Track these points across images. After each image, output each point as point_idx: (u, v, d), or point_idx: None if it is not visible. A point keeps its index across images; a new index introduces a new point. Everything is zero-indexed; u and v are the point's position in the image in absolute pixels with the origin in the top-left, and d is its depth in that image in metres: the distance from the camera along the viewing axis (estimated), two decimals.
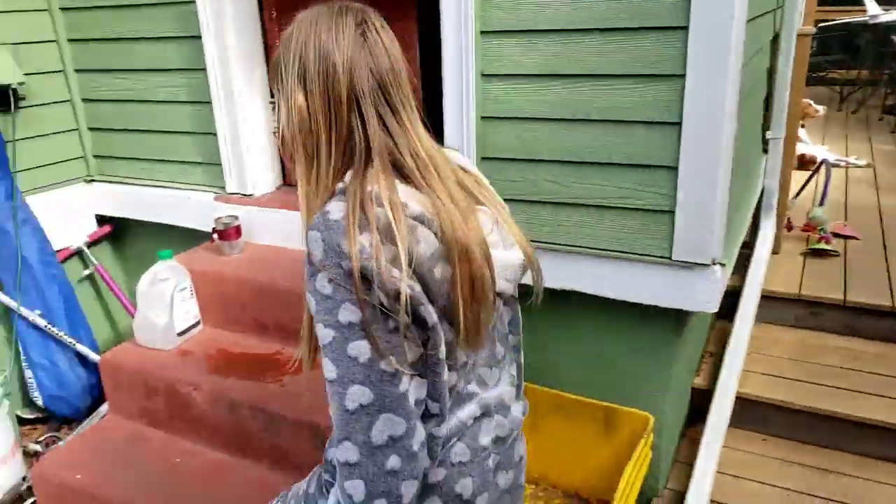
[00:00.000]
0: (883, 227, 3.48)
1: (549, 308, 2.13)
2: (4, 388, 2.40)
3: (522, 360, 1.21)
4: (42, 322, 2.59)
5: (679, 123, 1.78)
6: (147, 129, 2.69)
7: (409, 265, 0.87)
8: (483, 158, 2.04)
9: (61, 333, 2.63)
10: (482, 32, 1.93)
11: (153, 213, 2.79)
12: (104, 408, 2.47)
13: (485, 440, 1.05)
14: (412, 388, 0.91)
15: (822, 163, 3.67)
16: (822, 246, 3.15)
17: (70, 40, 2.71)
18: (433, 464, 0.98)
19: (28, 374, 2.67)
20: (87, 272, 2.96)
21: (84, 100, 2.79)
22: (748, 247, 2.99)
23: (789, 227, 3.38)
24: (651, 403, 2.14)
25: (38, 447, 2.63)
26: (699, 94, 1.73)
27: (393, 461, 0.88)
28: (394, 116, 0.97)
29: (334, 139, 0.97)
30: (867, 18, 6.38)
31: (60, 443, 2.52)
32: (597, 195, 1.94)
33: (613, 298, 2.01)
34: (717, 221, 1.82)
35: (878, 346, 2.74)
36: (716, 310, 1.93)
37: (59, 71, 2.74)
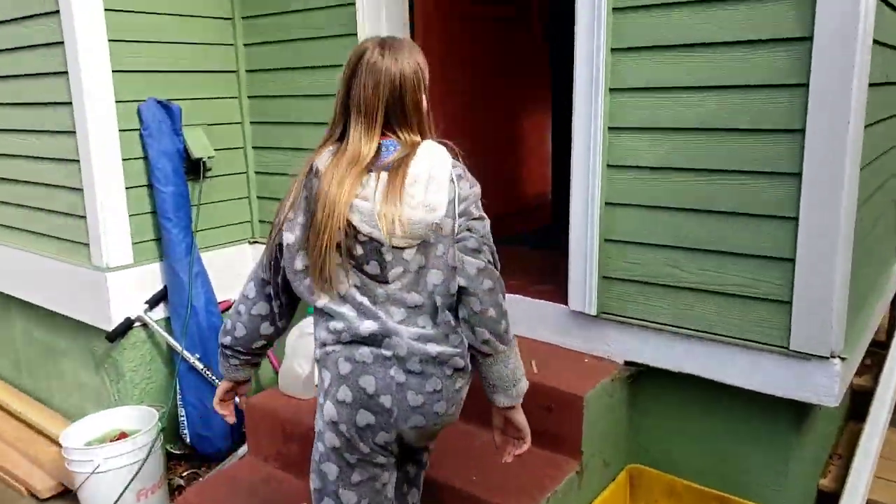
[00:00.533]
0: None
1: (663, 390, 2.21)
2: (161, 423, 2.73)
3: (468, 313, 1.47)
4: (200, 365, 2.93)
5: (796, 218, 1.85)
6: None
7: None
8: (606, 240, 2.19)
9: (214, 377, 2.96)
10: (609, 128, 2.12)
11: None
12: (243, 449, 2.70)
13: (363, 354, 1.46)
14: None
15: None
16: None
17: (252, 122, 3.19)
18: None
19: (181, 412, 2.99)
20: None
21: (256, 172, 3.24)
22: (883, 345, 2.88)
23: None
24: (768, 497, 2.11)
25: (181, 481, 2.91)
26: (816, 191, 1.80)
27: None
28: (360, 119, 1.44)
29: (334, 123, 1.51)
30: None
31: (201, 479, 2.78)
32: (715, 282, 2.02)
33: (729, 384, 2.05)
34: (835, 313, 1.85)
35: None
36: (835, 404, 1.92)
37: (240, 148, 3.21)
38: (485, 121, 3.32)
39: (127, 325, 2.90)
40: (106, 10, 2.67)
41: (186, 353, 2.93)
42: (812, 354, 1.89)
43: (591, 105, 2.11)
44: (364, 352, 1.46)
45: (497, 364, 1.50)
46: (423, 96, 1.48)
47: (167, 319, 3.02)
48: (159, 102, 2.88)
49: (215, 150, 3.06)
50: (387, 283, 1.45)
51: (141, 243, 2.92)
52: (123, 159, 2.81)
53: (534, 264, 2.88)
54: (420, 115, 1.47)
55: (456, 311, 1.48)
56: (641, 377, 2.26)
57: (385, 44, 1.45)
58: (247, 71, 3.14)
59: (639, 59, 2.04)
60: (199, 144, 2.99)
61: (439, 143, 1.49)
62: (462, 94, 3.18)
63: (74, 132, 2.76)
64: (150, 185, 2.91)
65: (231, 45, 3.12)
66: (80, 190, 2.82)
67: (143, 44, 2.83)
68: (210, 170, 3.07)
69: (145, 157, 2.88)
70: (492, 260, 1.48)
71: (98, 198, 2.76)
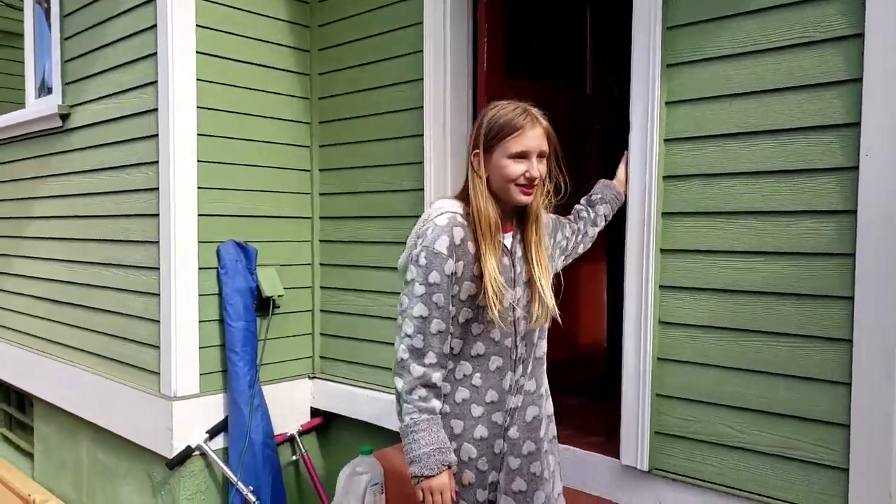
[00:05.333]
0: None
1: None
2: None
3: None
4: (252, 498, 2.97)
5: (849, 384, 1.86)
6: (367, 338, 3.20)
7: None
8: (658, 395, 2.22)
9: None
10: (661, 287, 2.21)
11: (360, 412, 3.21)
12: None
13: None
14: None
15: None
16: None
17: (322, 264, 3.41)
18: None
19: None
20: (294, 458, 3.39)
21: (321, 311, 3.42)
22: None
23: None
24: None
25: None
26: (866, 357, 1.83)
27: None
28: None
29: None
30: None
31: None
32: (769, 444, 2.00)
33: None
34: (891, 478, 1.80)
35: None
36: None
37: (308, 287, 3.42)
38: None
39: (187, 454, 2.99)
40: (198, 161, 2.99)
41: (241, 485, 2.98)
42: None
43: (641, 263, 2.22)
44: None
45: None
46: (470, 156, 1.78)
47: (225, 450, 3.10)
48: (237, 244, 3.14)
49: (285, 288, 3.26)
50: None
51: (208, 374, 3.07)
52: (200, 294, 3.02)
53: (587, 415, 2.89)
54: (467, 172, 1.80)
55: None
56: None
57: None
58: (320, 217, 3.40)
59: (687, 223, 2.16)
60: (270, 283, 3.20)
61: (457, 198, 1.82)
62: None
63: (158, 268, 3.01)
64: (221, 320, 3.10)
65: (307, 193, 3.41)
66: (158, 321, 3.03)
67: (228, 191, 3.13)
68: (279, 307, 3.26)
69: (219, 293, 3.09)
70: (409, 334, 1.69)
71: (173, 330, 2.95)
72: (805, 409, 1.94)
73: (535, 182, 1.72)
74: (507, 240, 1.80)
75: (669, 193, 2.19)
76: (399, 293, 1.77)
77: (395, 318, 3.10)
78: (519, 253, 1.81)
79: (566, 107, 3.29)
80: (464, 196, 1.77)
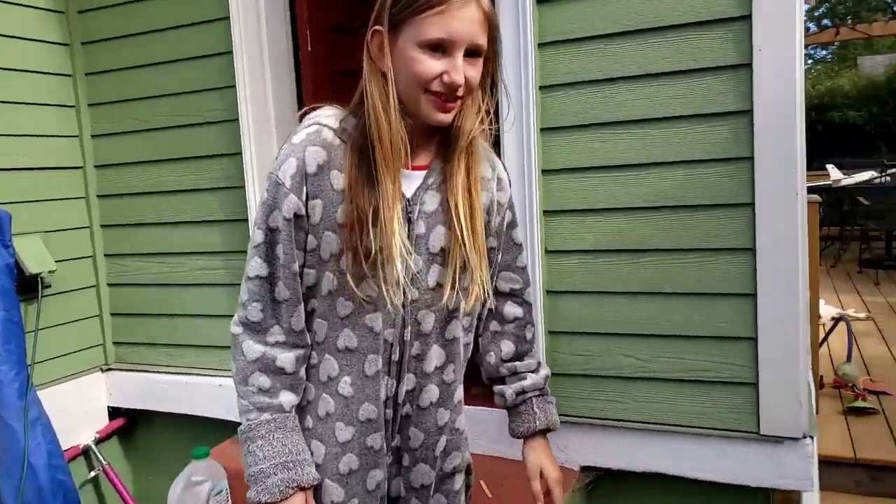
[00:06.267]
0: None
1: (623, 494, 2.00)
2: None
3: None
4: None
5: (754, 294, 1.77)
6: (176, 312, 2.59)
7: None
8: (549, 332, 1.99)
9: None
10: (545, 212, 1.96)
11: (175, 404, 2.61)
12: None
13: None
14: None
15: (839, 319, 3.73)
16: (861, 404, 3.10)
17: (104, 226, 2.67)
18: None
19: None
20: (93, 473, 2.70)
21: (110, 284, 2.71)
22: None
23: (821, 385, 3.34)
24: None
25: None
26: (770, 266, 1.74)
27: None
28: None
29: None
30: (831, 182, 6.94)
31: None
32: (676, 368, 1.88)
33: (698, 479, 1.89)
34: (802, 391, 1.77)
35: None
36: (811, 489, 1.82)
37: (89, 256, 2.67)
38: None
39: None
40: None
41: None
42: (784, 437, 1.79)
43: (523, 187, 1.95)
44: None
45: None
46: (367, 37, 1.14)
47: None
48: None
49: (57, 261, 2.51)
50: None
51: None
52: None
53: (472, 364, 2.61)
54: None
55: None
56: (599, 482, 2.05)
57: None
58: (95, 166, 2.65)
59: (569, 137, 1.92)
60: (35, 257, 2.43)
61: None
62: None
63: None
64: None
65: (75, 136, 2.63)
66: None
67: None
68: (49, 286, 2.51)
69: None
70: (243, 301, 1.16)
71: None
72: (711, 328, 1.83)
73: (458, 92, 1.09)
74: (412, 180, 1.17)
75: (547, 106, 1.92)
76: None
77: (209, 285, 2.61)
78: (429, 204, 1.18)
79: None
80: (356, 99, 1.15)
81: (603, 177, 1.90)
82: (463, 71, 1.07)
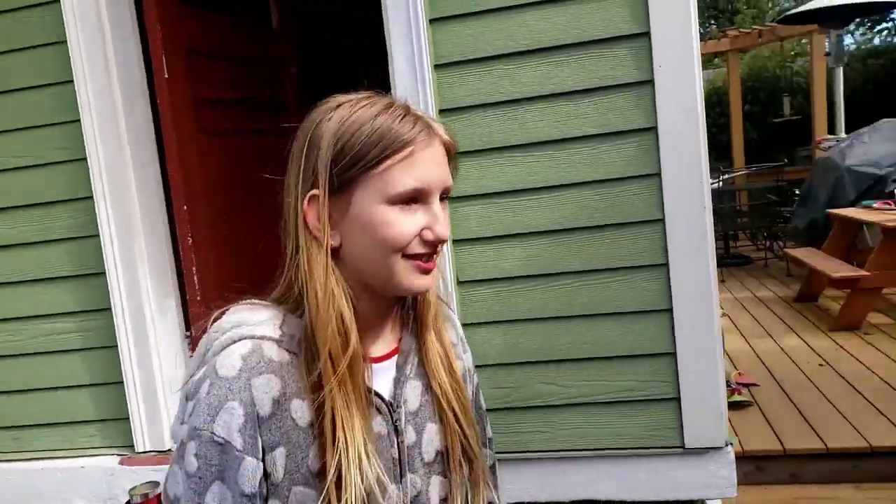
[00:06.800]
0: (769, 369, 3.73)
1: None
2: None
3: None
4: None
5: (670, 309, 1.78)
6: (20, 388, 2.18)
7: None
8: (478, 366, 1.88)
9: None
10: (454, 241, 1.86)
11: (28, 497, 2.19)
12: None
13: None
14: None
15: None
16: (737, 398, 3.28)
17: None
18: None
19: None
20: None
21: None
22: None
23: None
24: None
25: None
26: (684, 280, 1.76)
27: None
28: None
29: None
30: None
31: None
32: (598, 391, 1.84)
33: (627, 501, 1.86)
34: (722, 400, 1.79)
35: (823, 490, 2.80)
36: (734, 495, 1.85)
37: None
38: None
39: None
40: None
41: None
42: (708, 448, 1.80)
43: None
44: None
45: None
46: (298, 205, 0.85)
47: None
48: None
49: None
50: None
51: None
52: None
53: None
54: None
55: None
56: None
57: None
58: None
59: (478, 160, 1.83)
60: None
61: None
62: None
63: None
64: None
65: None
66: None
67: None
68: None
69: None
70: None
71: None
72: (630, 347, 1.82)
73: (440, 248, 0.84)
74: (386, 374, 0.89)
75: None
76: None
77: (60, 352, 2.22)
78: (412, 401, 0.90)
79: (254, 45, 2.65)
80: (285, 291, 0.85)
81: (512, 201, 1.83)
82: (444, 220, 0.83)
